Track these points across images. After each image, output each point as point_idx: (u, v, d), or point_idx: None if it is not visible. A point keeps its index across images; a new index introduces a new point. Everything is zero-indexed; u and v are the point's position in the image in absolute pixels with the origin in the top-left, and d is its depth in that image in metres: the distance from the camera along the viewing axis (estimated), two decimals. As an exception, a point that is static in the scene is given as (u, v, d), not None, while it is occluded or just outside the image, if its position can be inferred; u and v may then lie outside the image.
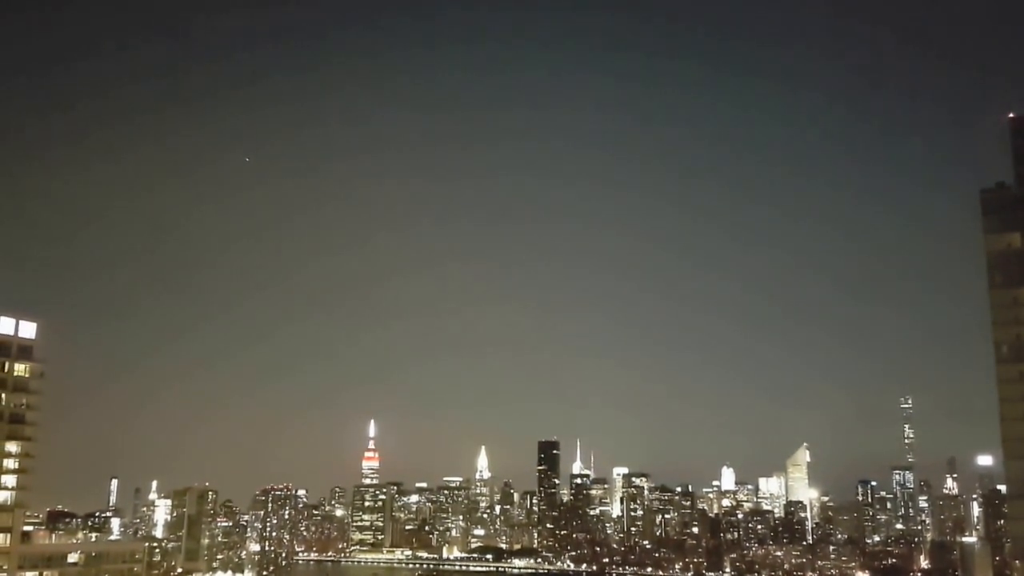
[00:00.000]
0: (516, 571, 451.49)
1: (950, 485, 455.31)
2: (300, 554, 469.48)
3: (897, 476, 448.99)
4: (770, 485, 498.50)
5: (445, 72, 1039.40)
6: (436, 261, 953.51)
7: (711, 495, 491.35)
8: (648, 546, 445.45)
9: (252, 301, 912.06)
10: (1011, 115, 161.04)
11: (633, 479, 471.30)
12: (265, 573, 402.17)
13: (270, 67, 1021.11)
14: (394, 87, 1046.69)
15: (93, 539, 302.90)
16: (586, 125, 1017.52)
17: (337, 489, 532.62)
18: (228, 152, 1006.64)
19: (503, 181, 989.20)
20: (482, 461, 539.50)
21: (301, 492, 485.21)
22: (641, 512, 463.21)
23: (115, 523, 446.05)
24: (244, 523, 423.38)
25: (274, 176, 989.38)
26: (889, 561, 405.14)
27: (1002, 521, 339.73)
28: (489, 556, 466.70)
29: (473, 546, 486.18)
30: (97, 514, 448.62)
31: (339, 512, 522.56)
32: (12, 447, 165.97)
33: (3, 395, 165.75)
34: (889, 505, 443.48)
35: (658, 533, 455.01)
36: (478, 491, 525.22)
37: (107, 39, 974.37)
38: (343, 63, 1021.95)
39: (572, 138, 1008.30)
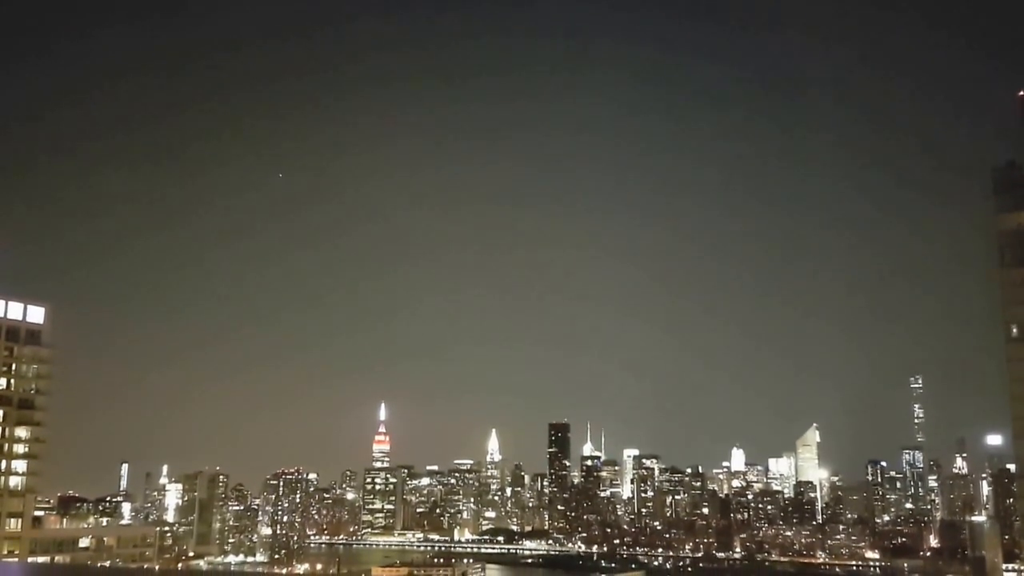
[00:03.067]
0: (527, 553, 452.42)
1: (959, 465, 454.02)
2: (311, 537, 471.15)
3: (907, 456, 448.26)
4: (780, 465, 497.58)
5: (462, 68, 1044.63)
6: (447, 245, 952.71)
7: (721, 476, 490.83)
8: (658, 527, 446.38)
9: (261, 286, 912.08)
10: (1021, 93, 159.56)
11: (643, 460, 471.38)
12: (277, 556, 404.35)
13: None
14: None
15: (104, 524, 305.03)
16: (605, 115, 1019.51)
17: (348, 472, 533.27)
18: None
19: (510, 171, 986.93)
20: (493, 444, 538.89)
21: (312, 476, 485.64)
22: (651, 493, 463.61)
23: (126, 508, 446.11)
24: (255, 507, 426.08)
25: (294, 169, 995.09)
26: (899, 540, 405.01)
27: (1011, 500, 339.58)
28: (500, 538, 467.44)
29: (484, 528, 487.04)
30: (108, 499, 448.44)
31: (350, 495, 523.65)
32: (22, 432, 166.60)
33: (12, 380, 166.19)
34: (899, 485, 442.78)
35: (668, 514, 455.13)
36: (489, 474, 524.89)
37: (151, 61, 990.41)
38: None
39: (592, 128, 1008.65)
